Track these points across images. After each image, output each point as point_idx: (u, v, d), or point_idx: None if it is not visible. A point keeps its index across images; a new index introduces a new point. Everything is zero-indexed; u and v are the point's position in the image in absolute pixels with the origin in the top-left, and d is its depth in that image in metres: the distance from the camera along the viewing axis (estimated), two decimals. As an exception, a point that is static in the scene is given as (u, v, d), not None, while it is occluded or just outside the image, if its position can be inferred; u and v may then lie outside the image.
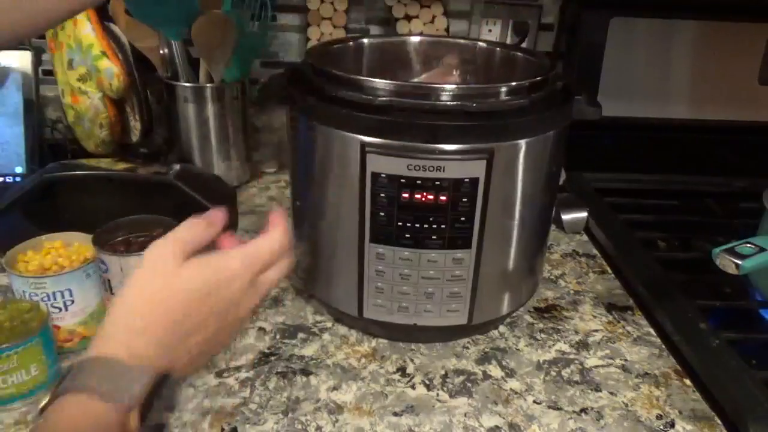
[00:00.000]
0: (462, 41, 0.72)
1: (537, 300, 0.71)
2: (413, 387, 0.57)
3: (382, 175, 0.52)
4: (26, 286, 0.55)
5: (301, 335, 0.63)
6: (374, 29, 1.06)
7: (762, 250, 0.57)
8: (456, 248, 0.55)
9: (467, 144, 0.51)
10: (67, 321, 0.57)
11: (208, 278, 0.43)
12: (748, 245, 0.58)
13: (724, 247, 0.58)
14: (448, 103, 0.50)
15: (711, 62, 0.99)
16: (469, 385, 0.57)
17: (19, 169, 0.88)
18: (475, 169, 0.51)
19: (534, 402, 0.56)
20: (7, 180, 0.88)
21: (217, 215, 0.47)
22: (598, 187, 0.95)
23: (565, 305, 0.70)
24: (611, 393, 0.57)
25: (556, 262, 0.79)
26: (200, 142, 0.91)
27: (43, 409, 0.37)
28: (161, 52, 0.89)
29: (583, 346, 0.63)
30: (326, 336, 0.63)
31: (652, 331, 0.66)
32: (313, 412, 0.53)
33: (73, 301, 0.56)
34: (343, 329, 0.64)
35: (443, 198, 0.52)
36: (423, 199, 0.52)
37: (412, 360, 0.60)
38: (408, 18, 1.01)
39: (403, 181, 0.52)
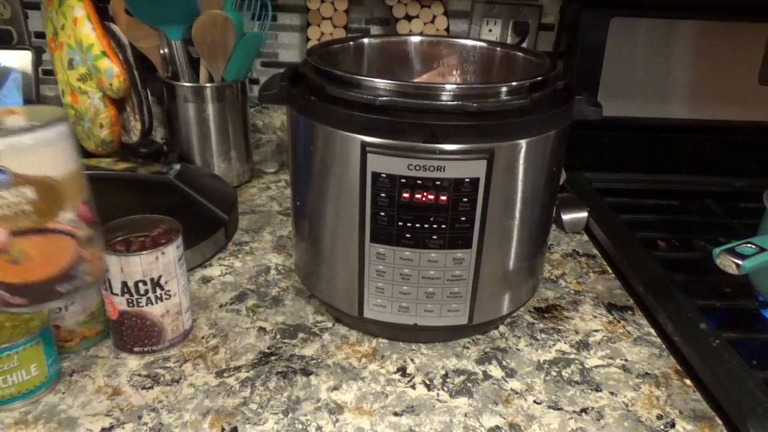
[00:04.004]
0: (462, 41, 0.72)
1: (537, 300, 0.71)
2: (413, 387, 0.57)
3: (383, 175, 0.52)
4: (26, 286, 0.55)
5: (301, 335, 0.63)
6: (374, 29, 1.06)
7: (762, 250, 0.57)
8: (456, 248, 0.55)
9: (468, 144, 0.51)
10: (67, 321, 0.57)
11: None
12: (749, 245, 0.58)
13: (725, 247, 0.58)
14: (449, 103, 0.50)
15: (711, 62, 0.99)
16: (469, 385, 0.57)
17: (19, 169, 0.88)
18: (476, 169, 0.51)
19: (534, 402, 0.56)
20: (7, 180, 0.87)
21: None
22: (598, 187, 0.95)
23: (565, 305, 0.70)
24: (612, 393, 0.57)
25: (557, 262, 0.79)
26: (200, 142, 0.91)
27: None
28: (161, 52, 0.89)
29: (583, 346, 0.63)
30: (326, 336, 0.63)
31: (652, 331, 0.66)
32: (314, 412, 0.53)
33: (73, 301, 0.56)
34: (343, 329, 0.64)
35: (444, 198, 0.52)
36: (423, 199, 0.52)
37: (412, 360, 0.60)
38: (408, 18, 1.01)
39: (403, 181, 0.52)
